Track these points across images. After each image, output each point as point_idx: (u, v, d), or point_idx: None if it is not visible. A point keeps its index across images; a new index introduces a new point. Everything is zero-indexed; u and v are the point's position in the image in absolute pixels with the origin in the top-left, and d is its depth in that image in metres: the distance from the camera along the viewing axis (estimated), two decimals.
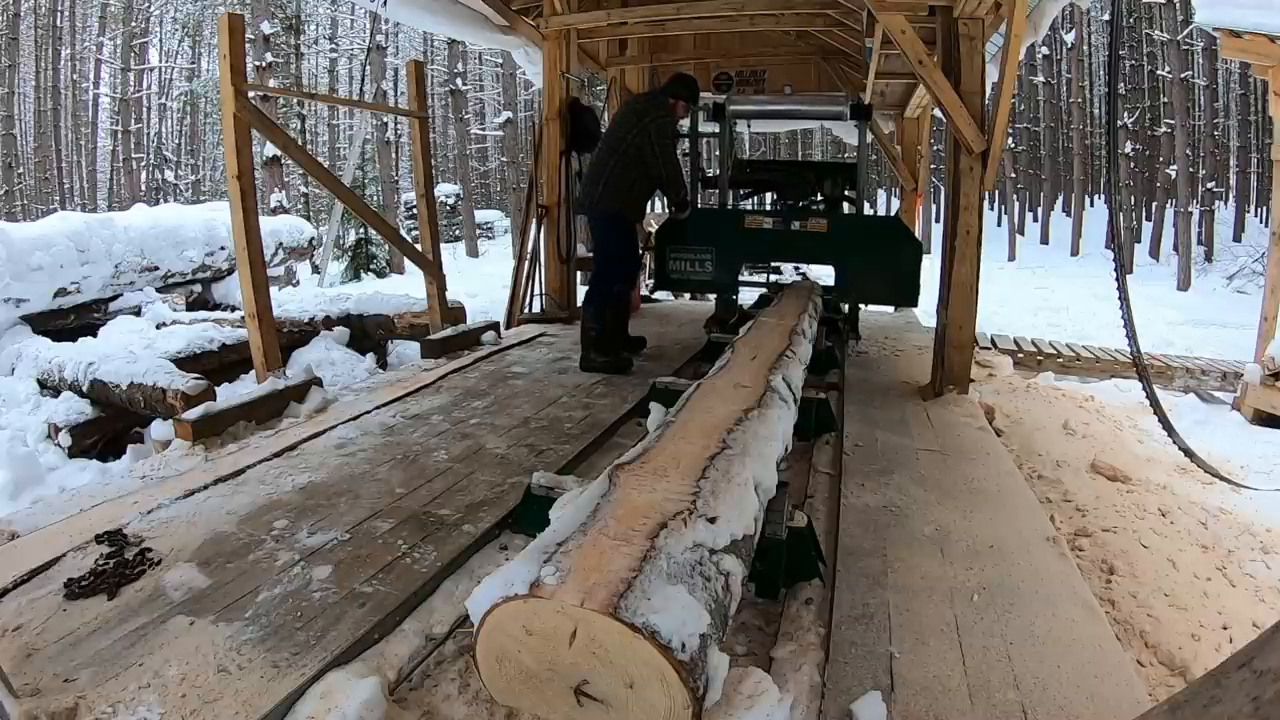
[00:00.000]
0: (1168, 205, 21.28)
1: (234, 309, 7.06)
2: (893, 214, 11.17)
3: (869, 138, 6.01)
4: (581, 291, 6.68)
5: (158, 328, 6.01)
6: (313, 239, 9.79)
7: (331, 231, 14.10)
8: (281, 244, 8.75)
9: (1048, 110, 27.96)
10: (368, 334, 6.43)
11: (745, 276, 5.43)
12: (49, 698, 1.37)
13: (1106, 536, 3.01)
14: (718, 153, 6.15)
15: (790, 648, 1.59)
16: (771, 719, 1.22)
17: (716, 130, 5.62)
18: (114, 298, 6.49)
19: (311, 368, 3.98)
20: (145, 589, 1.78)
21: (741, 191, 6.27)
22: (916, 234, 5.81)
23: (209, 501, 2.30)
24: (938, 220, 22.93)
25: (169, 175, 24.03)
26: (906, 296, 4.88)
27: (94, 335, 5.93)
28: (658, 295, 8.44)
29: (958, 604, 1.82)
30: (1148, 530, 3.23)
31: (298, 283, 12.90)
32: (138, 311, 6.39)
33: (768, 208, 6.47)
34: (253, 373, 3.98)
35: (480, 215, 22.86)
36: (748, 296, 5.43)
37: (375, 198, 17.02)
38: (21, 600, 1.72)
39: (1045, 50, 25.83)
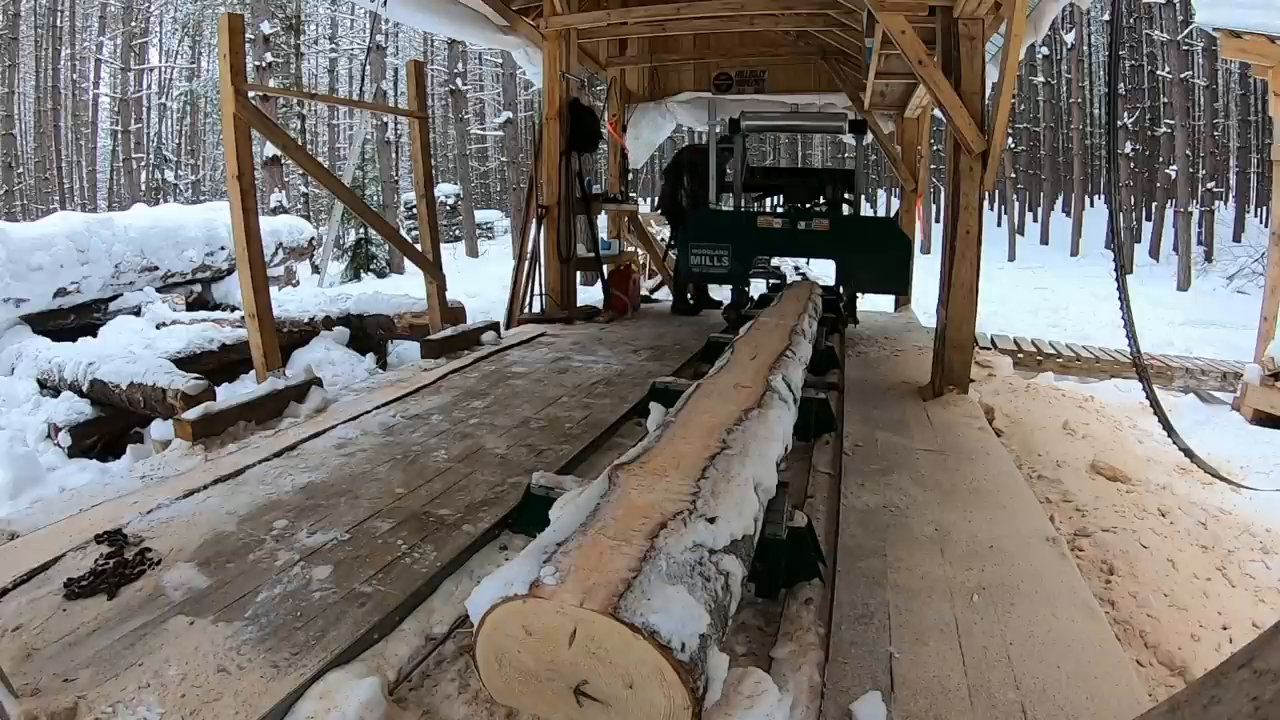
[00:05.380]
0: (1168, 205, 21.29)
1: (234, 309, 7.05)
2: (893, 214, 11.31)
3: (868, 140, 6.62)
4: (581, 291, 6.79)
5: (158, 328, 6.01)
6: (313, 239, 9.78)
7: (331, 231, 14.08)
8: (281, 244, 8.74)
9: (1048, 110, 27.97)
10: (368, 334, 6.42)
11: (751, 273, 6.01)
12: (49, 698, 1.37)
13: (1106, 536, 3.01)
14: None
15: (790, 648, 1.59)
16: (771, 719, 1.22)
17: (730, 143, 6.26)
18: (114, 298, 6.48)
19: (311, 368, 3.98)
20: (145, 589, 1.78)
21: (752, 195, 6.81)
22: (916, 234, 6.26)
23: (209, 501, 2.30)
24: (938, 220, 22.93)
25: (169, 175, 24.00)
26: (898, 285, 5.85)
27: (94, 335, 5.92)
28: (657, 295, 8.46)
29: (958, 604, 1.82)
30: (1148, 530, 3.23)
31: (298, 283, 12.88)
32: (138, 311, 6.38)
33: (768, 209, 6.72)
34: (253, 373, 3.98)
35: (480, 215, 22.85)
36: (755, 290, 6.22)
37: (375, 198, 17.01)
38: (21, 600, 1.72)
39: (1045, 50, 25.84)
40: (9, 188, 22.85)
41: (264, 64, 15.05)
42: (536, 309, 6.39)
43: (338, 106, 28.77)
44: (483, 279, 11.91)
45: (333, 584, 1.83)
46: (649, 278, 9.92)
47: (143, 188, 23.87)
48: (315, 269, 13.55)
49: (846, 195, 6.31)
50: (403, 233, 9.74)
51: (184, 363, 4.85)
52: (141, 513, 2.18)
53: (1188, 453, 4.32)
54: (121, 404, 4.43)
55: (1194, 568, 2.99)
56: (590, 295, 7.22)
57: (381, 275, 14.88)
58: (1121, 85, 22.06)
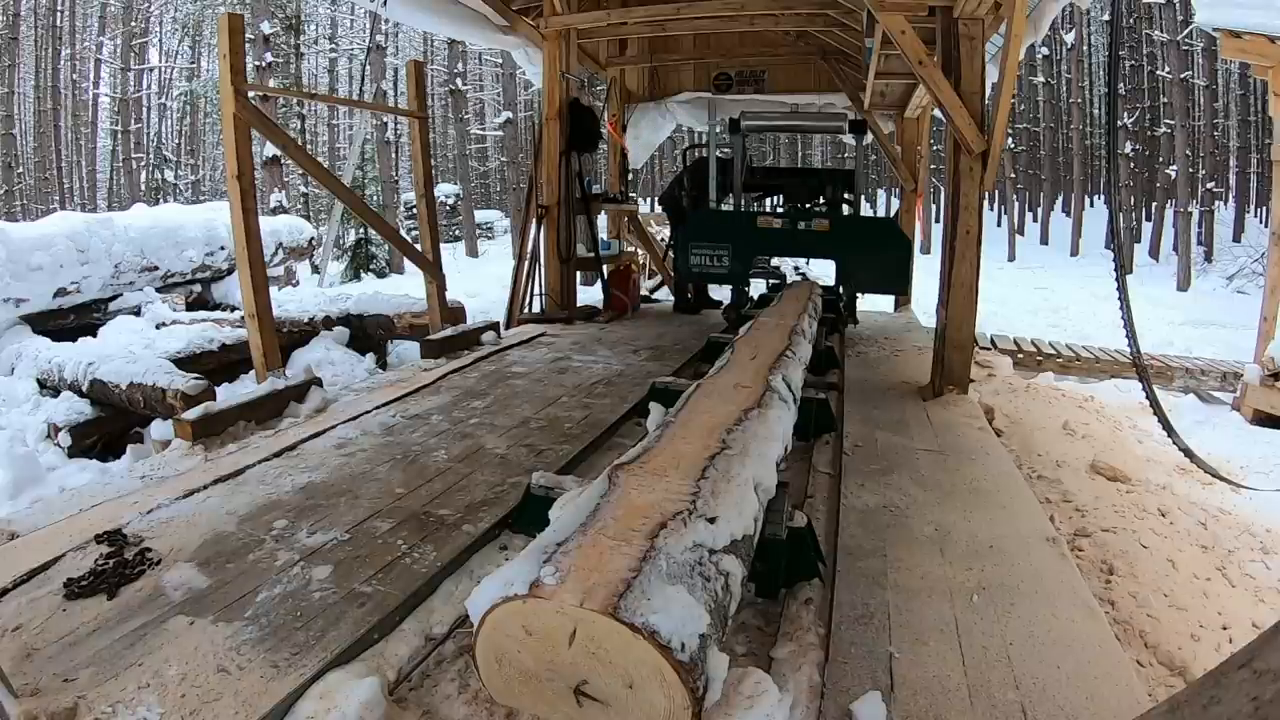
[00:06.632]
0: (1168, 205, 21.29)
1: (234, 309, 7.05)
2: (893, 214, 11.35)
3: (868, 140, 6.62)
4: (581, 291, 6.80)
5: (158, 328, 6.00)
6: (313, 239, 9.78)
7: (331, 231, 14.08)
8: (281, 244, 8.74)
9: (1048, 110, 27.98)
10: (368, 334, 6.42)
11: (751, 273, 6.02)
12: (49, 698, 1.37)
13: (1106, 536, 3.01)
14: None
15: (790, 648, 1.59)
16: (771, 719, 1.22)
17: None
18: (114, 298, 6.48)
19: (311, 368, 3.98)
20: (145, 589, 1.78)
21: (752, 195, 6.81)
22: (916, 234, 6.28)
23: (209, 501, 2.30)
24: (938, 220, 22.93)
25: (169, 175, 24.00)
26: (898, 285, 5.84)
27: (94, 335, 5.92)
28: (657, 296, 8.47)
29: (958, 604, 1.82)
30: (1147, 530, 3.23)
31: (298, 283, 12.88)
32: (137, 311, 6.38)
33: (768, 209, 6.74)
34: (253, 373, 3.98)
35: (480, 215, 22.85)
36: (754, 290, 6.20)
37: (375, 198, 17.01)
38: (21, 600, 1.71)
39: (1045, 50, 25.86)
40: (9, 188, 22.85)
41: (264, 64, 15.05)
42: (536, 309, 6.39)
43: (338, 106, 28.77)
44: (483, 279, 11.91)
45: (333, 584, 1.83)
46: (649, 278, 9.92)
47: (143, 188, 23.88)
48: (315, 269, 13.55)
49: (846, 195, 6.31)
50: (403, 233, 9.73)
51: (184, 363, 4.85)
52: (141, 513, 2.18)
53: (1188, 453, 4.32)
54: (121, 404, 4.43)
55: (1194, 568, 2.99)
56: (590, 295, 7.22)
57: (381, 275, 14.87)
58: (1121, 85, 22.07)
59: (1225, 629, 2.58)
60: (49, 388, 4.84)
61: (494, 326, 5.07)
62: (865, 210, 6.83)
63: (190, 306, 7.23)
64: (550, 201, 6.10)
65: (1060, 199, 28.43)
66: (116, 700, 1.39)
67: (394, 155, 22.92)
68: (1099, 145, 26.09)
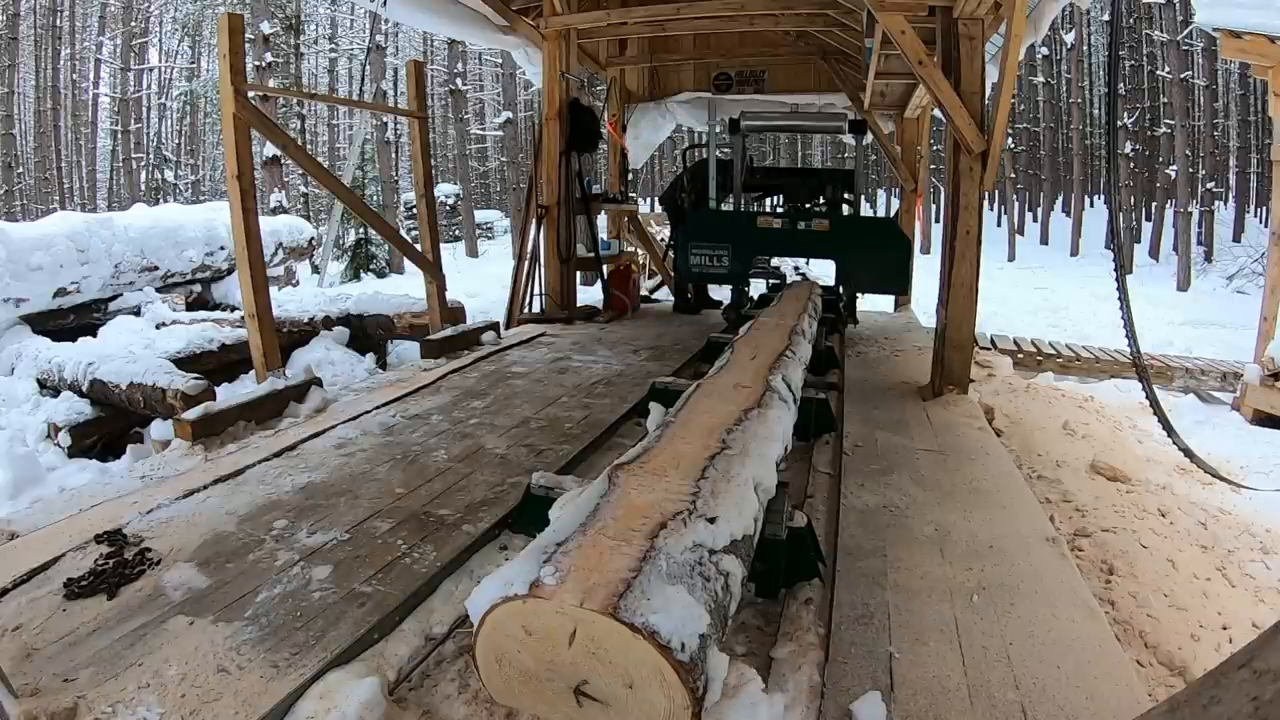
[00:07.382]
0: (1168, 205, 21.29)
1: (234, 309, 7.05)
2: (893, 214, 11.37)
3: (868, 140, 6.63)
4: (581, 291, 6.80)
5: (157, 328, 6.01)
6: (313, 239, 9.77)
7: (331, 231, 14.08)
8: (281, 244, 8.74)
9: (1048, 110, 27.99)
10: (368, 334, 6.42)
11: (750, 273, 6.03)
12: (49, 698, 1.37)
13: (1106, 537, 3.01)
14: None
15: (790, 648, 1.59)
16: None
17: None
18: (114, 298, 6.48)
19: (311, 368, 3.98)
20: (145, 589, 1.78)
21: (752, 195, 6.81)
22: (916, 234, 6.29)
23: (209, 501, 2.30)
24: (938, 220, 22.93)
25: (169, 175, 24.00)
26: (898, 285, 5.81)
27: (94, 335, 5.92)
28: (657, 296, 8.47)
29: (958, 604, 1.82)
30: (1147, 530, 3.23)
31: (298, 283, 12.88)
32: (137, 311, 6.38)
33: (768, 209, 6.74)
34: (253, 373, 3.98)
35: (480, 215, 22.84)
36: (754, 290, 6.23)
37: (375, 198, 17.00)
38: (21, 600, 1.71)
39: (1045, 50, 25.86)
40: (9, 188, 22.84)
41: (264, 64, 15.04)
42: (536, 309, 6.39)
43: (338, 106, 28.77)
44: (483, 279, 11.91)
45: (333, 584, 1.83)
46: (649, 278, 9.92)
47: (143, 188, 23.88)
48: (315, 269, 13.54)
49: (846, 195, 6.31)
50: (403, 233, 9.74)
51: (184, 363, 4.85)
52: (141, 513, 2.18)
53: (1188, 453, 4.32)
54: (121, 404, 4.43)
55: (1194, 568, 2.99)
56: (590, 295, 7.22)
57: (381, 275, 14.87)
58: (1121, 85, 22.08)
59: (1225, 629, 2.58)
60: (49, 388, 4.84)
61: (494, 326, 5.07)
62: (865, 210, 6.81)
63: (190, 306, 7.23)
64: (550, 201, 6.10)
65: (1060, 199, 28.44)
66: (116, 700, 1.39)
67: (394, 155, 22.91)
68: (1099, 145, 26.11)
